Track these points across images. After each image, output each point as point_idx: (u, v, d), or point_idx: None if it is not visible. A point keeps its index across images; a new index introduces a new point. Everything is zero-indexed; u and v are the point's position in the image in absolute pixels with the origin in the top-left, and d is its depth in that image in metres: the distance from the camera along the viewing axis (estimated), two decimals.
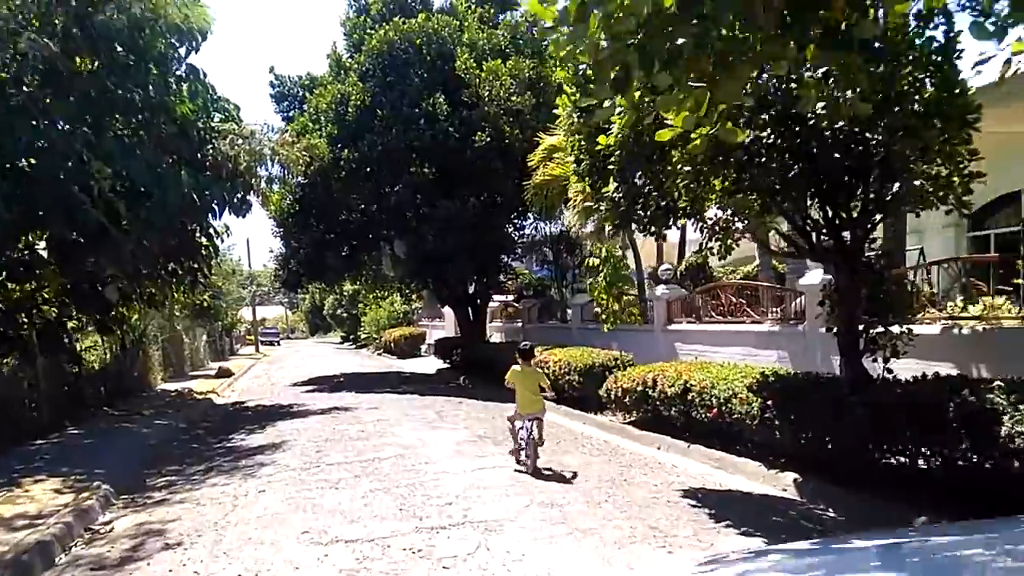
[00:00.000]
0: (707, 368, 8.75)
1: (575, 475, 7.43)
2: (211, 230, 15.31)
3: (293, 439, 10.26)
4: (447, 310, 34.02)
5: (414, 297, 25.59)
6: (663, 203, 7.28)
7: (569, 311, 17.65)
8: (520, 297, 22.02)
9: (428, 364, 24.33)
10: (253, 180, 14.59)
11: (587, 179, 8.09)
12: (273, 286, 43.17)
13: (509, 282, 20.37)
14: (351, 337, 52.83)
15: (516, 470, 7.68)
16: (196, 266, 15.72)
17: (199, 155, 13.40)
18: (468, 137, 16.16)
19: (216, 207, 13.42)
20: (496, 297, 22.41)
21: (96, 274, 13.25)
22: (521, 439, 7.72)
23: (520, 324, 21.53)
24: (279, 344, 60.43)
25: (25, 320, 12.90)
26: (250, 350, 47.85)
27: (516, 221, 18.20)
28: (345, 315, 50.88)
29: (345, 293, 35.97)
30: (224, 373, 23.62)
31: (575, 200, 13.62)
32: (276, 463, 8.66)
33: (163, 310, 24.77)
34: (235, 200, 14.02)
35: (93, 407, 14.40)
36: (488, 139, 15.96)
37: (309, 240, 19.49)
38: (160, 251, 13.87)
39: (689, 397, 8.35)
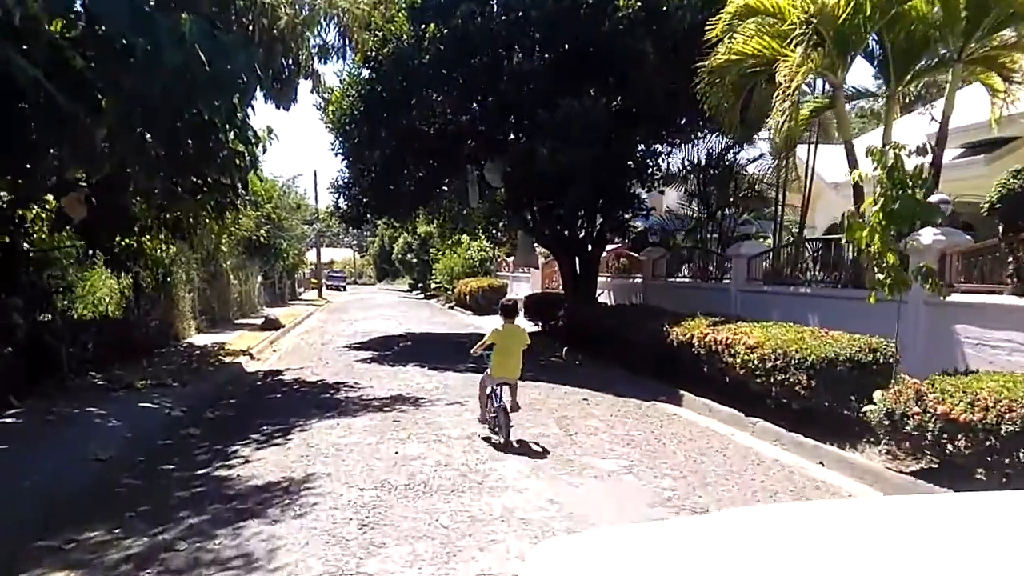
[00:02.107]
0: None
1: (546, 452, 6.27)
2: (243, 126, 10.86)
3: (323, 475, 5.63)
4: (539, 260, 29.29)
5: (503, 240, 20.79)
6: None
7: (728, 265, 12.50)
8: (639, 245, 16.87)
9: None
10: (301, 50, 9.89)
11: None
12: (335, 223, 39.26)
13: (638, 224, 15.17)
14: (420, 285, 49.01)
15: (484, 437, 6.81)
16: (226, 180, 11.38)
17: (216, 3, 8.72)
18: (607, 2, 10.95)
19: (244, 84, 8.67)
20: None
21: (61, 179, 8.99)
22: (494, 407, 6.85)
23: (639, 281, 16.49)
24: (344, 289, 57.36)
25: None
26: (313, 295, 44.54)
27: (665, 134, 12.85)
28: (415, 260, 46.80)
29: (418, 235, 31.45)
30: (271, 325, 19.57)
31: (785, 87, 8.34)
32: (273, 554, 4.11)
33: (201, 242, 20.91)
34: (274, 78, 9.43)
35: (74, 372, 10.33)
36: (637, 3, 10.70)
37: (378, 158, 14.83)
38: (166, 147, 9.52)
39: None
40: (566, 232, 15.21)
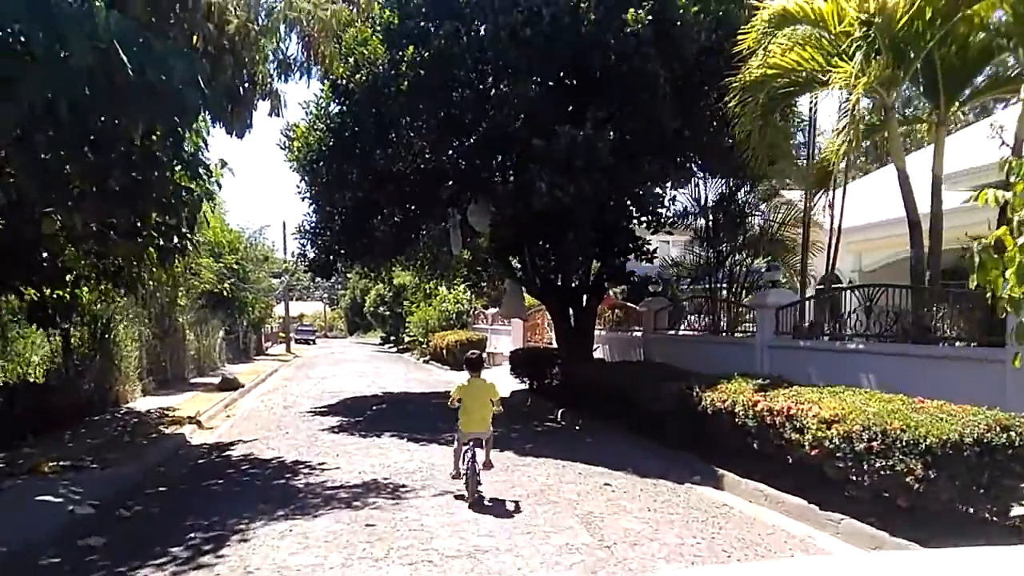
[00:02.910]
0: None
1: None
2: (192, 160, 9.29)
3: None
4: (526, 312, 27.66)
5: (484, 289, 19.08)
6: None
7: (750, 317, 11.01)
8: (636, 295, 15.36)
9: (494, 380, 17.62)
10: (257, 64, 8.33)
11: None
12: (303, 275, 37.47)
13: (638, 271, 13.62)
14: (392, 338, 47.06)
15: (456, 495, 6.45)
16: (171, 220, 9.75)
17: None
18: (611, 18, 9.65)
19: (185, 100, 7.01)
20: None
21: None
22: (465, 467, 6.45)
23: (638, 334, 14.95)
24: (314, 343, 55.07)
25: None
26: (281, 349, 42.25)
27: (673, 168, 11.33)
28: (388, 313, 44.91)
29: (393, 286, 29.72)
30: (228, 384, 17.54)
31: (852, 103, 6.97)
32: None
33: (152, 296, 18.95)
34: (225, 96, 7.88)
35: None
36: (647, 19, 9.41)
37: (348, 200, 13.25)
38: (88, 175, 7.88)
39: None
40: (560, 280, 13.66)
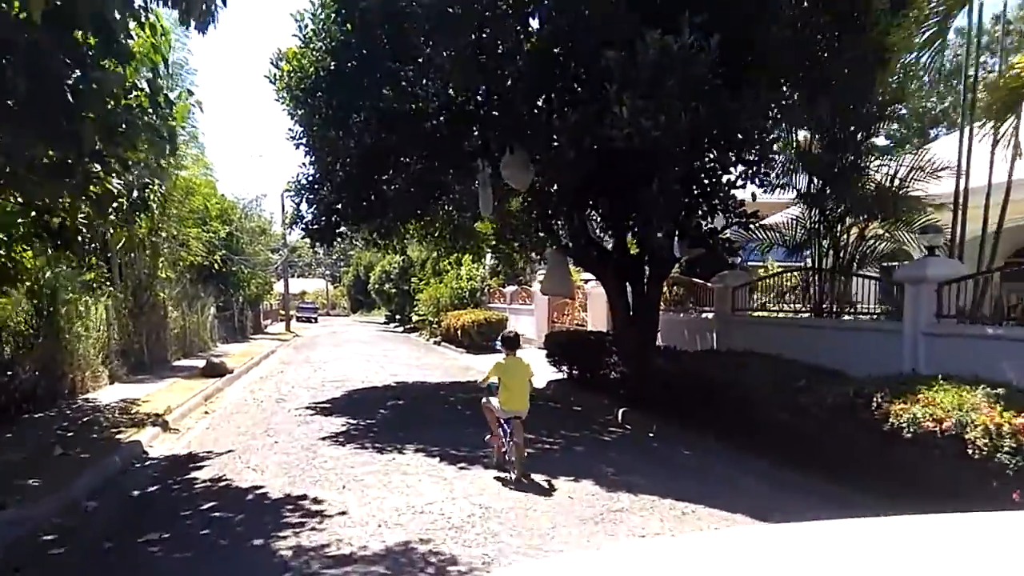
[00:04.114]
0: None
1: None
2: (119, 45, 6.59)
3: None
4: (538, 293, 24.97)
5: (517, 261, 16.18)
6: None
7: (908, 292, 8.27)
8: (707, 269, 12.61)
9: None
10: None
11: None
12: (302, 246, 34.78)
13: (729, 233, 10.70)
14: (398, 317, 44.49)
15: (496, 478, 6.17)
16: (120, 155, 7.23)
17: None
18: None
19: None
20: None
21: None
22: (504, 443, 6.49)
23: (709, 316, 12.31)
24: (316, 321, 52.56)
25: None
26: (280, 328, 39.71)
27: (784, 98, 8.39)
28: (393, 291, 42.26)
29: (407, 258, 26.97)
30: (213, 370, 14.93)
31: None
32: None
33: (130, 267, 16.23)
34: None
35: None
36: None
37: (354, 146, 10.55)
38: None
39: None
40: (623, 248, 10.94)
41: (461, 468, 6.71)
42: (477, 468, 6.67)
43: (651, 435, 8.97)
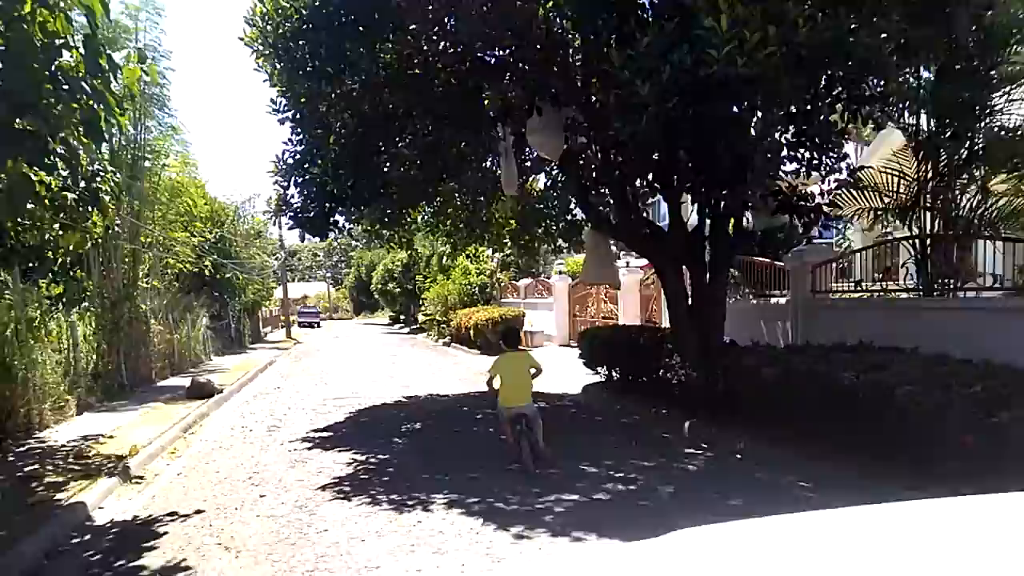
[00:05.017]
0: None
1: None
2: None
3: None
4: (557, 281, 22.95)
5: (538, 250, 14.08)
6: None
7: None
8: (782, 243, 10.61)
9: (546, 367, 12.69)
10: None
11: None
12: (306, 253, 32.81)
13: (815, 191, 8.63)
14: (403, 318, 42.69)
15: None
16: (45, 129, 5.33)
17: None
18: None
19: None
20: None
21: None
22: (517, 444, 6.29)
23: (782, 301, 10.34)
24: (319, 326, 50.71)
25: None
26: (280, 335, 37.83)
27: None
28: (397, 290, 40.39)
29: (415, 252, 24.94)
30: (199, 391, 12.97)
31: None
32: None
33: (106, 278, 14.24)
34: None
35: None
36: None
37: (349, 115, 8.58)
38: None
39: None
40: (683, 222, 8.94)
41: (514, 536, 4.71)
42: (542, 536, 4.68)
43: (738, 456, 7.03)
